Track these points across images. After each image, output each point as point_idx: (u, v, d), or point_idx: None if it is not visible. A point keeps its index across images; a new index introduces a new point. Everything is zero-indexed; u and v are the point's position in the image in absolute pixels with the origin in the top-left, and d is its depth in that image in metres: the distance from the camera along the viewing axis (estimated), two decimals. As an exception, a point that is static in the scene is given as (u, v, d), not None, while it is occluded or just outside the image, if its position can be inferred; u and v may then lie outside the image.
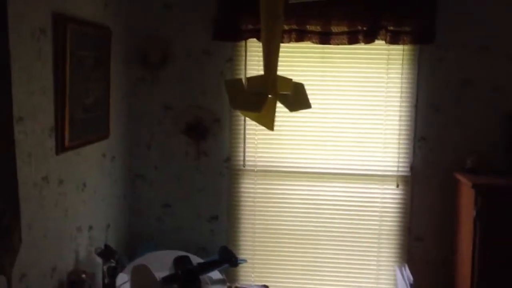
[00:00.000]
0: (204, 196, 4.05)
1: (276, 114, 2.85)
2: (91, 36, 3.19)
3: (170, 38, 3.91)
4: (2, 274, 2.28)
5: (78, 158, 3.11)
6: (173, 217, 4.07)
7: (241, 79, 3.10)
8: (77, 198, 3.13)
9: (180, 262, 3.34)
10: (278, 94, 2.91)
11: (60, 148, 2.84)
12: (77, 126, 3.01)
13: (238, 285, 3.61)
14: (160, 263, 3.33)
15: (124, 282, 3.14)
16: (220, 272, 3.40)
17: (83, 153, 3.18)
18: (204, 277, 3.24)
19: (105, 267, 3.27)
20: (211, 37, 3.86)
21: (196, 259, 3.41)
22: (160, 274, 3.16)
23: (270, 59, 2.86)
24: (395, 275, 3.88)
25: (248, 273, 4.07)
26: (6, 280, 2.31)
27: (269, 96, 2.95)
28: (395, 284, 3.89)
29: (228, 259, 3.31)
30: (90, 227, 3.35)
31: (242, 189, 4.05)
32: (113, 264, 3.34)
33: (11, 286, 2.33)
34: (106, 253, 3.36)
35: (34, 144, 2.59)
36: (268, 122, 3.15)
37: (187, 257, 3.37)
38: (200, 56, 3.92)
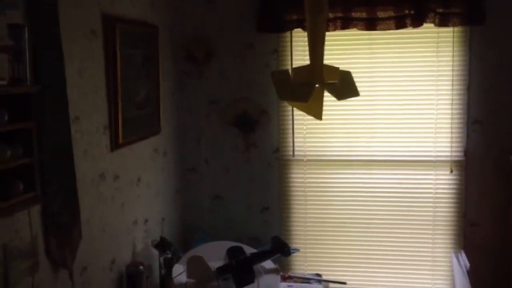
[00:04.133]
0: (254, 187, 4.09)
1: (324, 103, 2.84)
2: (140, 35, 3.27)
3: (214, 33, 3.95)
4: (65, 267, 2.39)
5: (131, 154, 3.20)
6: (225, 209, 4.13)
7: (287, 70, 3.10)
8: (132, 192, 3.23)
9: (233, 252, 3.38)
10: (325, 83, 2.90)
11: (115, 145, 2.94)
12: (129, 123, 3.10)
13: (292, 274, 3.64)
14: (214, 253, 3.39)
15: (180, 273, 3.22)
16: (273, 261, 3.43)
17: (136, 149, 3.27)
18: (257, 267, 3.27)
19: (161, 259, 3.37)
20: (255, 29, 3.88)
21: (249, 250, 3.46)
22: (214, 264, 3.22)
23: (316, 49, 2.86)
24: (451, 262, 3.81)
25: (301, 262, 4.10)
26: (68, 273, 2.41)
27: (316, 85, 2.95)
28: (452, 271, 3.82)
29: (281, 249, 3.33)
30: (146, 221, 3.45)
31: (292, 179, 4.07)
32: (169, 256, 3.44)
33: (72, 278, 2.44)
34: (162, 245, 3.46)
35: (89, 142, 2.69)
36: (316, 112, 3.15)
37: (240, 248, 3.41)
38: (244, 49, 3.95)
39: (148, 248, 3.30)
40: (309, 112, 3.24)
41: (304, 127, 3.98)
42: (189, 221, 4.13)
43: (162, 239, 3.51)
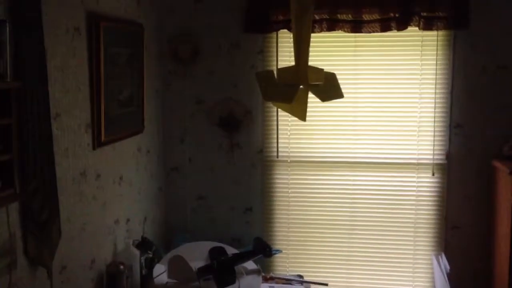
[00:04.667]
0: (238, 188, 4.08)
1: (309, 104, 2.84)
2: (124, 33, 3.25)
3: (200, 32, 3.94)
4: (43, 266, 2.36)
5: (114, 152, 3.18)
6: (208, 209, 4.12)
7: (272, 71, 3.10)
8: (114, 191, 3.20)
9: (215, 253, 3.37)
10: (309, 85, 2.91)
11: (97, 143, 2.91)
12: (112, 121, 3.08)
13: (273, 275, 3.63)
14: (196, 254, 3.38)
15: (161, 273, 3.20)
16: (255, 262, 3.43)
17: (118, 148, 3.24)
18: (239, 267, 3.27)
19: (142, 259, 3.35)
20: (241, 30, 3.87)
21: (231, 250, 3.45)
22: (195, 264, 3.21)
23: (301, 50, 2.86)
24: (432, 264, 3.84)
25: (283, 263, 4.10)
26: (46, 271, 2.38)
27: (301, 86, 2.95)
28: (432, 273, 3.85)
29: (262, 250, 3.33)
30: (128, 220, 3.42)
31: (276, 180, 4.07)
32: (150, 256, 3.42)
33: (51, 277, 2.41)
34: (143, 245, 3.44)
35: (71, 139, 2.66)
36: (300, 113, 3.15)
37: (222, 248, 3.41)
38: (230, 50, 3.95)
39: (129, 247, 3.26)
40: (293, 113, 3.24)
41: (289, 128, 3.99)
42: (172, 221, 4.11)
43: (144, 239, 3.49)
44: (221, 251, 3.40)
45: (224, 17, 3.90)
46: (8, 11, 2.09)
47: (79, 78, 2.73)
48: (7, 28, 1.93)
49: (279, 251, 3.97)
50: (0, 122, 1.93)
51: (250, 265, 3.39)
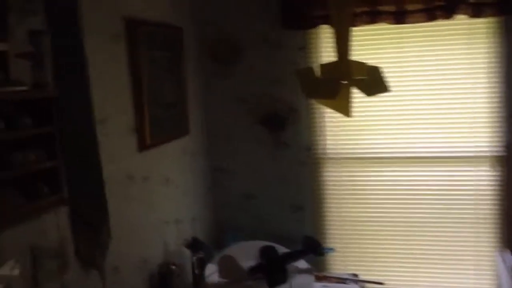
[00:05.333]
0: (287, 186, 4.05)
1: (356, 99, 2.79)
2: (163, 36, 3.30)
3: (239, 31, 3.93)
4: (95, 267, 2.43)
5: (160, 155, 3.23)
6: (257, 208, 4.11)
7: (312, 68, 3.07)
8: (161, 193, 3.26)
9: (266, 252, 3.36)
10: (352, 79, 2.86)
11: (142, 146, 2.97)
12: (157, 124, 3.14)
13: (327, 274, 3.59)
14: (246, 253, 3.37)
15: (213, 273, 3.22)
16: (308, 261, 3.39)
17: (164, 150, 3.30)
18: (290, 267, 3.25)
19: (194, 259, 3.39)
20: (281, 27, 3.84)
21: (281, 249, 3.43)
22: (246, 263, 3.21)
23: (342, 44, 2.82)
24: (496, 261, 3.67)
25: (337, 262, 4.04)
26: (98, 272, 2.45)
27: (344, 82, 2.91)
28: (497, 271, 3.68)
29: (313, 248, 3.29)
30: (177, 221, 3.48)
31: (326, 178, 4.02)
32: (201, 255, 3.46)
33: (104, 278, 2.48)
34: (194, 245, 3.49)
35: (116, 144, 2.73)
36: (345, 109, 3.11)
37: (272, 247, 3.39)
38: (271, 47, 3.92)
39: (180, 248, 3.31)
40: (337, 109, 3.20)
41: (337, 124, 3.92)
42: (221, 220, 4.14)
43: (194, 239, 3.54)
44: (272, 250, 3.38)
45: (263, 15, 3.89)
46: (46, 21, 2.16)
47: (120, 83, 2.80)
48: (46, 39, 1.99)
49: (331, 249, 3.92)
50: (42, 131, 1.98)
51: (301, 264, 3.36)
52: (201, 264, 3.39)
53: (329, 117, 3.90)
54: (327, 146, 3.96)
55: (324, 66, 3.06)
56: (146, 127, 2.98)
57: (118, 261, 2.69)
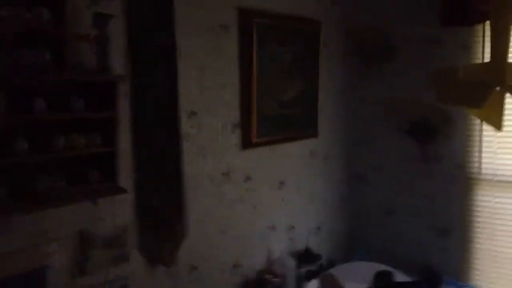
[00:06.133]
0: (432, 206, 3.52)
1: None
2: (290, 30, 3.06)
3: (391, 26, 3.51)
4: (162, 264, 2.34)
5: (272, 154, 3.02)
6: (395, 226, 3.66)
7: (456, 68, 2.57)
8: (270, 196, 3.05)
9: (381, 277, 2.96)
10: (509, 85, 2.38)
11: (246, 143, 2.80)
12: (270, 122, 2.94)
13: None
14: (360, 275, 3.01)
15: (313, 289, 2.94)
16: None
17: (280, 151, 3.08)
18: (403, 299, 2.80)
19: (303, 271, 3.13)
20: (440, 23, 3.31)
21: (402, 278, 2.98)
22: (353, 285, 2.86)
23: (499, 43, 2.39)
24: None
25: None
26: (166, 271, 2.36)
27: (497, 88, 2.43)
28: None
29: (430, 282, 2.78)
30: (291, 228, 3.24)
31: (479, 202, 3.39)
32: (312, 269, 3.19)
33: (174, 276, 2.38)
34: (305, 256, 3.22)
35: (210, 138, 2.60)
36: (496, 120, 2.59)
37: (389, 273, 2.97)
38: (428, 45, 3.42)
39: (285, 257, 3.08)
40: (487, 120, 2.67)
41: (496, 141, 3.27)
42: (353, 234, 3.77)
43: (307, 250, 3.27)
44: (388, 277, 2.96)
45: (420, 9, 3.40)
46: (124, 6, 2.11)
47: (225, 77, 2.66)
48: (111, 23, 1.94)
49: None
50: (98, 116, 1.94)
51: (421, 298, 2.87)
52: (310, 278, 3.11)
53: (488, 130, 3.26)
54: (483, 166, 3.33)
55: (468, 68, 2.57)
56: (253, 123, 2.79)
57: (200, 261, 2.57)
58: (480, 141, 3.32)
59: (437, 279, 2.83)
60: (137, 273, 2.27)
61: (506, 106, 2.53)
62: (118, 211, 2.15)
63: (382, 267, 3.07)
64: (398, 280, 2.92)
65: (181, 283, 2.46)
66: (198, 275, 2.58)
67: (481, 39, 3.26)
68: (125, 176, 2.14)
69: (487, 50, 3.21)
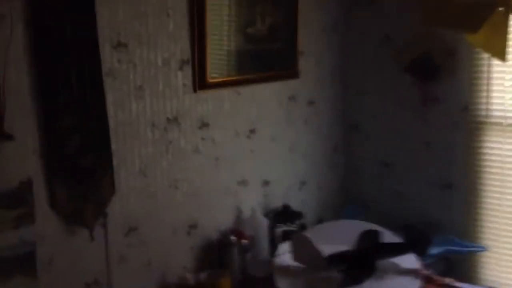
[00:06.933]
0: (433, 155, 3.07)
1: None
2: None
3: None
4: (83, 224, 1.97)
5: (237, 98, 2.59)
6: (392, 179, 3.22)
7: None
8: (236, 146, 2.64)
9: (368, 238, 2.54)
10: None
11: (198, 84, 2.37)
12: (232, 59, 2.50)
13: (451, 283, 2.57)
14: (343, 235, 2.59)
15: (285, 252, 2.54)
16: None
17: (247, 93, 2.65)
18: (387, 263, 2.38)
19: (279, 231, 2.75)
20: None
21: (392, 239, 2.56)
22: (332, 249, 2.45)
23: None
24: None
25: (487, 266, 2.95)
26: (89, 233, 1.99)
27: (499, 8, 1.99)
28: None
29: (414, 243, 2.35)
30: (266, 183, 2.83)
31: (487, 150, 2.91)
32: (293, 229, 2.80)
33: (93, 238, 2.01)
34: (282, 214, 2.83)
35: (148, 76, 2.19)
36: (498, 49, 2.13)
37: (376, 233, 2.54)
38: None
39: (255, 215, 2.69)
40: (487, 49, 2.21)
41: (506, 78, 2.77)
42: (344, 189, 3.34)
43: (285, 207, 2.87)
44: (374, 237, 2.54)
45: None
46: None
47: (169, 2, 2.21)
48: None
49: (482, 248, 2.88)
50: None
51: (409, 262, 2.45)
52: (286, 240, 2.71)
53: (498, 66, 2.74)
54: (492, 107, 2.84)
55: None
56: (206, 60, 2.36)
57: (139, 221, 2.21)
58: (489, 78, 2.81)
59: (425, 239, 2.39)
60: (49, 237, 1.90)
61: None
62: (28, 164, 1.77)
63: (369, 226, 2.65)
64: (387, 241, 2.50)
65: (115, 247, 2.09)
66: (140, 238, 2.21)
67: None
68: (22, 118, 1.75)
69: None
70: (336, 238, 2.52)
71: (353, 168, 3.35)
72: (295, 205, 2.92)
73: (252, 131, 2.72)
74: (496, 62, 2.69)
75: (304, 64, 2.95)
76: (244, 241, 2.59)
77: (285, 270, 2.46)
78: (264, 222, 2.69)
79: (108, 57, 2.00)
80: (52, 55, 1.83)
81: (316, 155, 3.14)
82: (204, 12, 2.32)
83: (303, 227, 2.85)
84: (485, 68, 2.81)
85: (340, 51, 3.20)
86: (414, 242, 2.37)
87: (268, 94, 2.78)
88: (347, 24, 3.21)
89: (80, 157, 1.92)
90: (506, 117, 2.81)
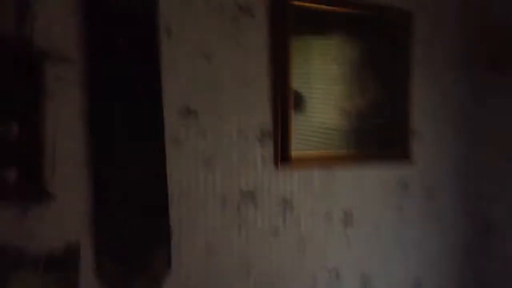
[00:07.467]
0: None
1: None
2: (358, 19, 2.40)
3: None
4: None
5: (328, 176, 2.32)
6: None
7: None
8: (327, 231, 2.34)
9: None
10: None
11: (281, 160, 2.17)
12: (322, 134, 2.29)
13: None
14: None
15: None
16: None
17: (341, 173, 2.37)
18: None
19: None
20: None
21: None
22: None
23: None
24: None
25: None
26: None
27: None
28: None
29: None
30: (364, 277, 2.45)
31: None
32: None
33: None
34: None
35: (220, 148, 2.06)
36: None
37: None
38: None
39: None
40: None
41: None
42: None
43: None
44: None
45: None
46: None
47: (247, 71, 2.11)
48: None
49: None
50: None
51: None
52: None
53: None
54: None
55: None
56: (290, 133, 2.16)
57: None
58: None
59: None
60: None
61: None
62: (63, 223, 1.71)
63: None
64: None
65: None
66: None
67: None
68: (74, 181, 1.71)
69: None
70: None
71: (483, 273, 2.80)
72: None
73: (348, 215, 2.40)
74: None
75: (417, 145, 2.61)
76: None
77: None
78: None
79: (172, 124, 1.92)
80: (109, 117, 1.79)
81: (432, 253, 2.68)
82: (288, 82, 2.16)
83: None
84: None
85: (464, 136, 2.79)
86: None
87: (368, 176, 2.47)
88: (477, 105, 2.82)
89: (133, 228, 1.80)
90: None
